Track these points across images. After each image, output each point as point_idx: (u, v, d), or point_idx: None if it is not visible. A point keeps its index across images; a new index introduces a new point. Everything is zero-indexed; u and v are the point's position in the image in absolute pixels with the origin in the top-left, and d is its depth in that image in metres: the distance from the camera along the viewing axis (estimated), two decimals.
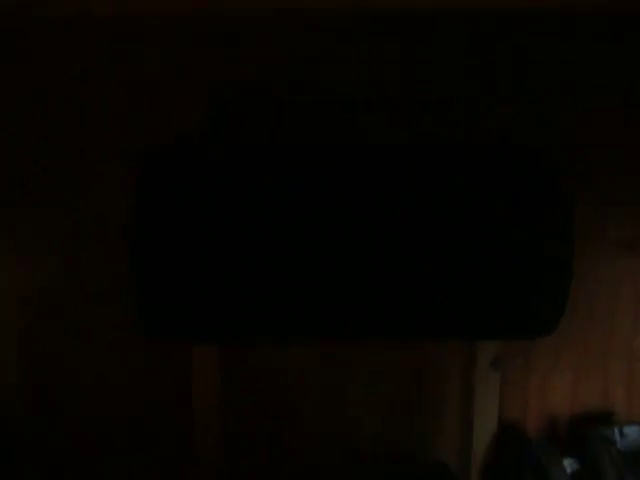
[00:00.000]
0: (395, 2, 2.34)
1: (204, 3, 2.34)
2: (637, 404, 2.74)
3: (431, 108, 2.47)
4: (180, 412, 2.67)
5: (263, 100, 2.47)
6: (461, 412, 2.75)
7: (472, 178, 2.11)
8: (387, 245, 2.05)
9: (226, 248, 2.04)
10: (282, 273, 2.06)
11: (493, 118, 2.46)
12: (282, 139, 2.44)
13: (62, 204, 2.54)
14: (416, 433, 2.79)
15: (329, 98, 2.46)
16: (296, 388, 2.70)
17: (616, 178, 2.56)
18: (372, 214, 2.05)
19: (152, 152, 2.18)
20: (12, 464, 2.68)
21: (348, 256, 2.05)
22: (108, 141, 2.48)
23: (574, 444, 2.65)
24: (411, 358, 2.69)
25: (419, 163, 2.17)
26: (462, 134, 2.45)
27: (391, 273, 2.07)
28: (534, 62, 2.46)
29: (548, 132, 2.48)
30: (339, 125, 2.44)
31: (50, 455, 2.71)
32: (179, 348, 2.59)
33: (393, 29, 2.42)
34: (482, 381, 2.67)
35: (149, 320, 2.16)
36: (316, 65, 2.45)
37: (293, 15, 2.37)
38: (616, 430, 2.58)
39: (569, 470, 2.53)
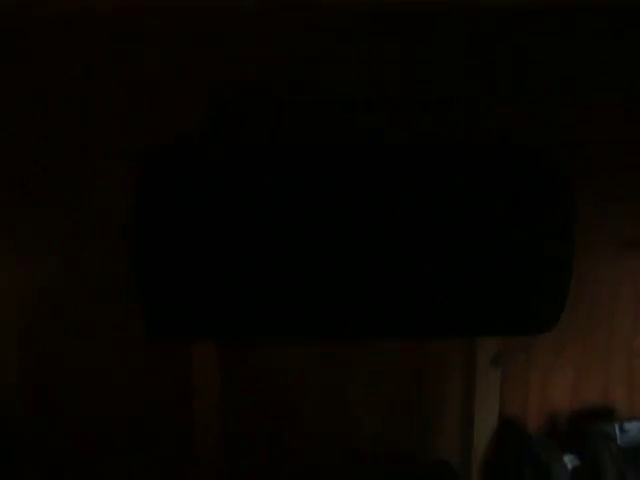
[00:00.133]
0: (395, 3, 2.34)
1: (204, 3, 2.33)
2: (638, 400, 2.75)
3: (431, 108, 2.47)
4: (180, 412, 2.67)
5: (263, 100, 2.47)
6: (461, 409, 2.76)
7: (472, 178, 2.11)
8: (387, 245, 2.05)
9: (226, 248, 2.04)
10: (282, 273, 2.06)
11: (493, 118, 2.46)
12: (282, 139, 2.44)
13: (62, 204, 2.54)
14: (416, 432, 2.79)
15: (329, 98, 2.46)
16: (296, 388, 2.71)
17: (616, 175, 2.56)
18: (372, 214, 2.05)
19: (152, 152, 2.18)
20: (12, 464, 2.68)
21: (348, 256, 2.04)
22: (108, 141, 2.48)
23: (574, 440, 2.65)
24: (411, 358, 2.69)
25: (419, 163, 2.17)
26: (462, 134, 2.45)
27: (391, 273, 2.07)
28: (534, 62, 2.46)
29: (548, 132, 2.48)
30: (339, 125, 2.44)
31: (50, 455, 2.71)
32: (179, 348, 2.59)
33: (393, 29, 2.42)
34: (482, 378, 2.68)
35: (149, 319, 2.16)
36: (316, 65, 2.45)
37: (293, 15, 2.37)
38: (616, 426, 2.59)
39: (569, 466, 2.54)
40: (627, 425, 2.59)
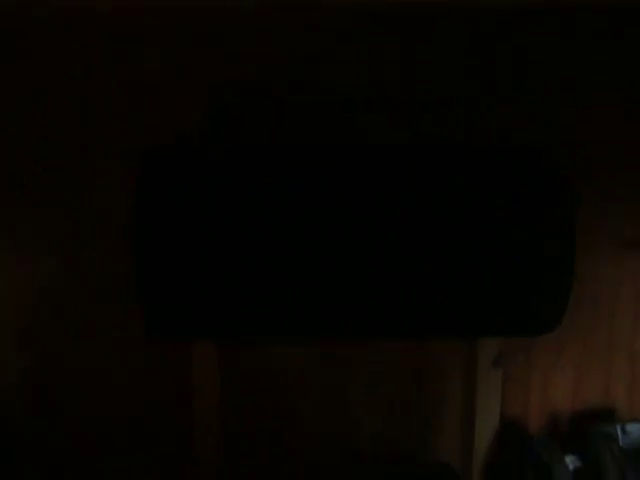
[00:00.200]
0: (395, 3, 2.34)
1: (204, 3, 2.33)
2: (639, 401, 2.75)
3: (431, 108, 2.47)
4: (180, 412, 2.67)
5: (263, 100, 2.47)
6: (463, 410, 2.76)
7: (472, 178, 2.11)
8: (387, 245, 2.05)
9: (226, 248, 2.04)
10: (282, 273, 2.06)
11: (493, 118, 2.46)
12: (282, 139, 2.44)
13: (62, 204, 2.54)
14: (417, 432, 2.79)
15: (329, 98, 2.46)
16: (296, 388, 2.71)
17: (617, 175, 2.56)
18: (372, 214, 2.05)
19: (152, 152, 2.18)
20: (12, 464, 2.68)
21: (348, 256, 2.05)
22: (108, 141, 2.48)
23: (576, 441, 2.66)
24: (411, 358, 2.69)
25: (419, 163, 2.17)
26: (462, 134, 2.45)
27: (391, 273, 2.07)
28: (534, 62, 2.46)
29: (548, 132, 2.48)
30: (339, 125, 2.44)
31: (50, 455, 2.71)
32: (179, 348, 2.59)
33: (393, 29, 2.42)
34: (484, 378, 2.68)
35: (149, 319, 2.16)
36: (316, 65, 2.45)
37: (293, 15, 2.37)
38: (618, 427, 2.59)
39: (571, 467, 2.54)
40: (629, 426, 2.60)
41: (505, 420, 2.73)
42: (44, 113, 2.49)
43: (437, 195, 2.08)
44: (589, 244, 2.51)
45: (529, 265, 2.08)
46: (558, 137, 2.46)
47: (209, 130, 2.46)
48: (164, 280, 2.10)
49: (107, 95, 2.47)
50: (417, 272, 2.07)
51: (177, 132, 2.33)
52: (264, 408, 2.73)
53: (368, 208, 2.06)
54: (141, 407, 2.68)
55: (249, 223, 2.03)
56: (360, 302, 2.11)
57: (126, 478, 2.71)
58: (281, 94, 2.48)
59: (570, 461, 2.56)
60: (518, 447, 2.69)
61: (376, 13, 2.36)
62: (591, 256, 2.56)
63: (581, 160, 2.45)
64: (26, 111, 2.49)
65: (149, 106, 2.47)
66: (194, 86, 2.46)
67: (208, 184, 2.08)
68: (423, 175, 2.13)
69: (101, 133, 2.49)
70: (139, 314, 2.13)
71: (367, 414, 2.75)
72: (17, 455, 2.70)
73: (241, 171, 2.12)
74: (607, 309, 2.68)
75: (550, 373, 2.72)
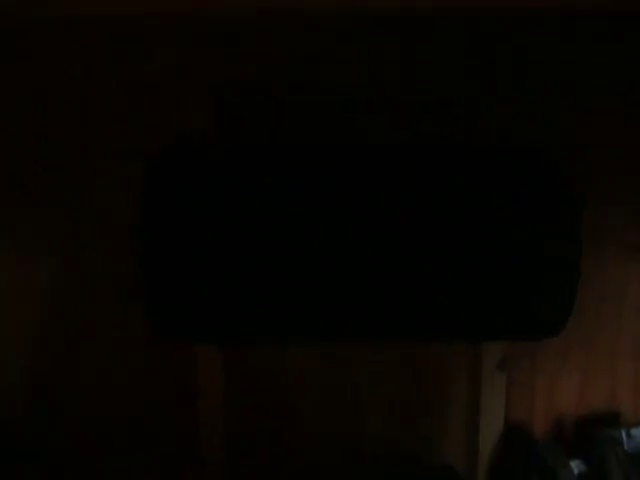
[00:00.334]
0: (395, 2, 2.34)
1: (204, 3, 2.34)
2: None
3: (431, 108, 2.47)
4: (181, 412, 2.67)
5: (263, 100, 2.48)
6: (467, 413, 2.75)
7: (472, 178, 2.11)
8: (387, 245, 2.05)
9: (227, 248, 2.04)
10: (282, 273, 2.06)
11: (493, 118, 2.46)
12: (282, 139, 2.44)
13: (62, 204, 2.54)
14: (421, 434, 2.79)
15: (329, 98, 2.47)
16: (296, 388, 2.70)
17: (620, 178, 2.56)
18: (372, 214, 2.05)
19: (153, 153, 2.18)
20: (12, 464, 2.68)
21: (348, 256, 2.05)
22: (108, 141, 2.49)
23: (581, 445, 2.65)
24: (411, 358, 2.69)
25: (419, 163, 2.17)
26: (462, 134, 2.45)
27: (392, 273, 2.07)
28: (534, 62, 2.46)
29: (548, 132, 2.48)
30: (339, 125, 2.44)
31: (50, 455, 2.71)
32: (180, 348, 2.59)
33: (393, 29, 2.42)
34: (488, 382, 2.67)
35: (153, 321, 2.16)
36: (316, 65, 2.45)
37: (293, 15, 2.37)
38: (623, 431, 2.59)
39: (576, 471, 2.54)
40: (634, 431, 2.59)
41: (510, 424, 2.72)
42: (44, 113, 2.49)
43: (437, 195, 2.08)
44: (594, 247, 2.51)
45: (529, 266, 2.08)
46: (558, 138, 2.46)
47: (209, 130, 2.46)
48: (167, 281, 2.10)
49: (107, 95, 2.47)
50: (417, 272, 2.07)
51: (177, 132, 2.34)
52: (265, 408, 2.73)
53: (368, 208, 2.06)
54: (142, 407, 2.68)
55: (250, 223, 2.04)
56: (361, 303, 2.11)
57: (127, 478, 2.71)
58: (281, 94, 2.48)
59: (575, 465, 2.55)
60: (523, 451, 2.69)
61: (376, 14, 2.36)
62: (596, 259, 2.57)
63: (583, 163, 2.46)
64: (26, 111, 2.49)
65: (149, 106, 2.47)
66: (194, 86, 2.47)
67: (209, 184, 2.09)
68: (423, 175, 2.13)
69: (101, 133, 2.49)
70: (139, 314, 2.14)
71: (368, 414, 2.74)
72: (17, 455, 2.70)
73: (242, 171, 2.12)
74: (612, 312, 2.67)
75: (555, 377, 2.71)
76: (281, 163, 2.17)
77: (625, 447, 2.55)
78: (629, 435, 2.58)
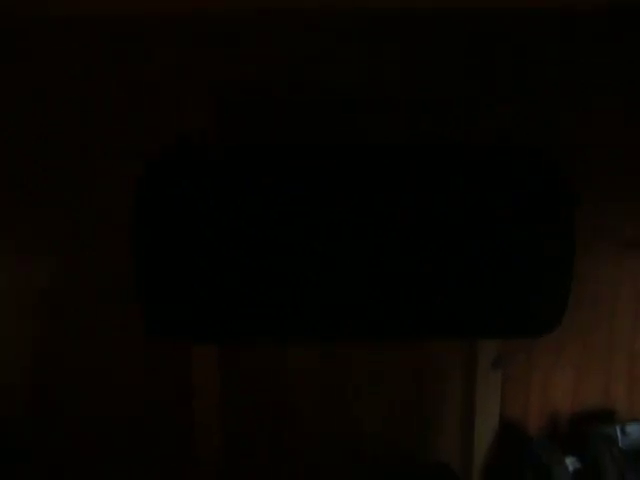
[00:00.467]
0: (395, 2, 2.34)
1: (204, 3, 2.33)
2: (638, 402, 2.75)
3: (431, 108, 2.47)
4: (180, 412, 2.67)
5: (263, 100, 2.48)
6: (462, 411, 2.76)
7: (472, 178, 2.11)
8: (387, 245, 2.05)
9: (227, 248, 2.04)
10: (282, 273, 2.06)
11: (493, 118, 2.46)
12: (282, 139, 2.44)
13: (62, 204, 2.54)
14: (417, 432, 2.79)
15: (329, 98, 2.47)
16: (296, 388, 2.70)
17: (616, 178, 2.56)
18: (372, 214, 2.05)
19: (153, 153, 2.18)
20: (12, 464, 2.68)
21: (348, 256, 2.05)
22: (108, 141, 2.48)
23: (575, 442, 2.65)
24: (411, 358, 2.69)
25: (419, 163, 2.17)
26: (462, 134, 2.45)
27: (391, 273, 2.07)
28: (534, 62, 2.46)
29: (548, 132, 2.48)
30: (339, 125, 2.44)
31: (50, 455, 2.71)
32: (179, 348, 2.59)
33: (393, 29, 2.42)
34: (483, 380, 2.68)
35: (150, 321, 2.16)
36: (316, 65, 2.45)
37: (293, 15, 2.37)
38: (618, 428, 2.59)
39: (571, 468, 2.54)
40: (628, 427, 2.59)
41: (505, 421, 2.73)
42: (44, 113, 2.49)
43: (437, 195, 2.08)
44: (589, 244, 2.52)
45: (529, 264, 2.08)
46: (558, 139, 2.47)
47: (209, 130, 2.46)
48: (166, 281, 2.10)
49: (107, 95, 2.47)
50: (417, 271, 2.07)
51: (177, 132, 2.34)
52: (264, 408, 2.73)
53: (368, 208, 2.06)
54: (141, 407, 2.68)
55: (249, 223, 2.04)
56: (360, 302, 2.11)
57: (126, 478, 2.71)
58: (281, 94, 2.48)
59: (570, 462, 2.55)
60: (518, 448, 2.69)
61: (376, 14, 2.36)
62: (591, 256, 2.57)
63: (581, 162, 2.46)
64: (26, 111, 2.49)
65: (149, 106, 2.47)
66: (194, 86, 2.46)
67: (208, 184, 2.08)
68: (423, 175, 2.13)
69: (101, 133, 2.49)
70: (139, 314, 2.14)
71: (367, 414, 2.75)
72: (17, 455, 2.70)
73: (241, 171, 2.12)
74: (607, 309, 2.68)
75: (550, 374, 2.72)
76: (281, 163, 2.16)
77: (620, 444, 2.56)
78: (624, 432, 2.58)
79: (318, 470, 2.76)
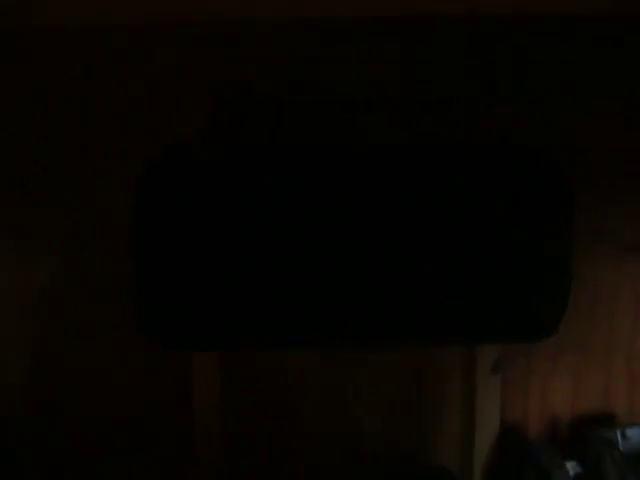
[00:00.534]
0: (395, 5, 2.34)
1: (204, 13, 2.34)
2: (638, 405, 2.74)
3: (431, 108, 2.47)
4: (180, 412, 2.66)
5: (263, 100, 2.48)
6: (462, 414, 2.75)
7: (472, 178, 2.11)
8: (387, 245, 2.05)
9: (226, 249, 2.04)
10: (281, 274, 2.06)
11: (493, 118, 2.46)
12: (282, 139, 2.44)
13: (62, 204, 2.54)
14: (417, 434, 2.78)
15: (329, 98, 2.47)
16: (296, 388, 2.70)
17: (616, 181, 2.56)
18: (372, 214, 2.05)
19: (153, 153, 2.18)
20: (12, 464, 2.68)
21: (348, 257, 2.04)
22: (108, 141, 2.49)
23: (576, 446, 2.65)
24: (411, 358, 2.69)
25: (419, 163, 2.17)
26: (462, 134, 2.45)
27: (391, 274, 2.07)
28: (534, 62, 2.47)
29: (548, 132, 2.48)
30: (339, 125, 2.44)
31: (50, 455, 2.71)
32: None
33: (393, 29, 2.42)
34: (483, 383, 2.68)
35: (149, 326, 2.16)
36: (316, 65, 2.45)
37: (293, 16, 2.37)
38: (618, 432, 2.57)
39: (571, 473, 2.53)
40: (629, 431, 2.58)
41: (505, 425, 2.72)
42: (44, 113, 2.49)
43: (437, 195, 2.07)
44: (588, 248, 2.52)
45: (529, 265, 2.08)
46: (558, 140, 2.47)
47: (210, 130, 2.46)
48: (164, 284, 2.10)
49: (107, 95, 2.47)
50: (417, 272, 2.07)
51: (177, 133, 2.35)
52: (264, 408, 2.73)
53: (368, 208, 2.05)
54: (141, 407, 2.68)
55: (249, 223, 2.03)
56: (360, 303, 2.10)
57: (126, 478, 2.70)
58: (281, 94, 2.49)
59: (571, 467, 2.54)
60: (518, 452, 2.68)
61: (376, 14, 2.37)
62: (590, 259, 2.57)
63: (581, 165, 2.46)
64: (26, 111, 2.49)
65: (149, 106, 2.47)
66: (194, 86, 2.47)
67: (208, 184, 2.08)
68: (423, 175, 2.12)
69: (101, 133, 2.49)
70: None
71: (367, 414, 2.74)
72: (17, 455, 2.70)
73: (241, 171, 2.12)
74: (605, 313, 2.67)
75: (549, 378, 2.71)
76: (281, 163, 2.16)
77: (620, 448, 2.54)
78: (624, 436, 2.57)
79: (318, 470, 2.76)
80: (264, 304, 2.09)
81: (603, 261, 2.62)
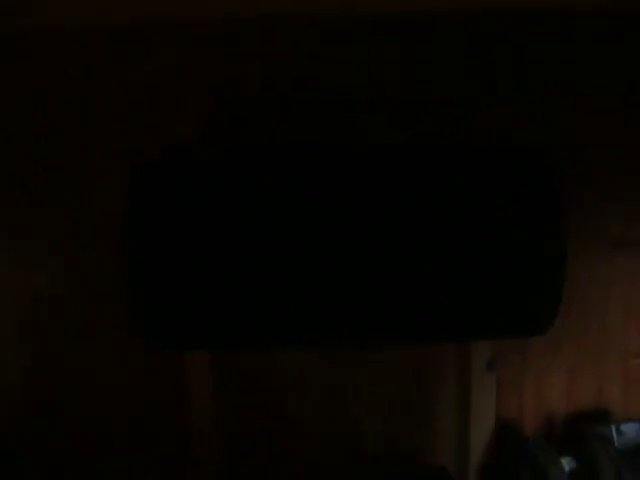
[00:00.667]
0: (395, 6, 2.34)
1: (206, 11, 2.34)
2: (633, 401, 2.75)
3: (431, 108, 2.47)
4: (180, 412, 2.66)
5: (263, 100, 2.48)
6: (458, 412, 2.76)
7: (472, 178, 2.11)
8: (387, 245, 2.05)
9: (226, 249, 2.04)
10: (281, 273, 2.06)
11: (493, 118, 2.46)
12: (283, 138, 2.44)
13: (62, 204, 2.54)
14: (415, 433, 2.79)
15: (330, 98, 2.47)
16: (296, 388, 2.70)
17: (607, 177, 2.57)
18: (372, 214, 2.05)
19: (153, 153, 2.18)
20: (12, 464, 2.68)
21: (348, 256, 2.04)
22: (108, 141, 2.48)
23: (571, 442, 2.65)
24: (411, 358, 2.69)
25: (419, 163, 2.17)
26: (462, 134, 2.45)
27: (391, 273, 2.07)
28: (534, 62, 2.47)
29: (548, 132, 2.48)
30: (339, 125, 2.44)
31: (50, 455, 2.70)
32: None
33: (393, 29, 2.42)
34: (478, 381, 2.68)
35: (147, 327, 2.16)
36: (316, 65, 2.45)
37: (294, 16, 2.37)
38: (613, 428, 2.58)
39: (567, 468, 2.54)
40: (623, 427, 2.59)
41: (500, 422, 2.73)
42: (44, 113, 2.49)
43: (437, 195, 2.08)
44: (580, 245, 2.51)
45: (529, 264, 2.08)
46: (558, 138, 2.48)
47: (210, 130, 2.46)
48: (163, 285, 2.10)
49: (107, 95, 2.47)
50: (417, 271, 2.07)
51: (177, 133, 2.35)
52: (264, 408, 2.73)
53: (368, 208, 2.06)
54: (141, 407, 2.68)
55: (248, 224, 2.03)
56: (360, 302, 2.10)
57: (126, 478, 2.70)
58: (281, 94, 2.48)
59: (566, 463, 2.55)
60: (513, 449, 2.69)
61: (376, 14, 2.37)
62: (582, 257, 2.57)
63: (581, 163, 2.48)
64: (26, 111, 2.49)
65: (149, 106, 2.47)
66: (194, 86, 2.46)
67: (208, 184, 2.08)
68: (423, 175, 2.13)
69: (101, 133, 2.49)
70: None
71: (367, 414, 2.74)
72: (17, 455, 2.70)
73: (241, 171, 2.12)
74: (599, 309, 2.68)
75: (544, 375, 2.72)
76: (281, 163, 2.16)
77: (615, 443, 2.56)
78: (619, 431, 2.58)
79: (318, 470, 2.76)
80: (264, 304, 2.08)
81: (594, 258, 2.63)
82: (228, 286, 2.07)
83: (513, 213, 2.08)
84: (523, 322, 2.20)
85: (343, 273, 2.06)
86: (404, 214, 2.06)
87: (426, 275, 2.07)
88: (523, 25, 2.42)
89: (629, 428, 2.60)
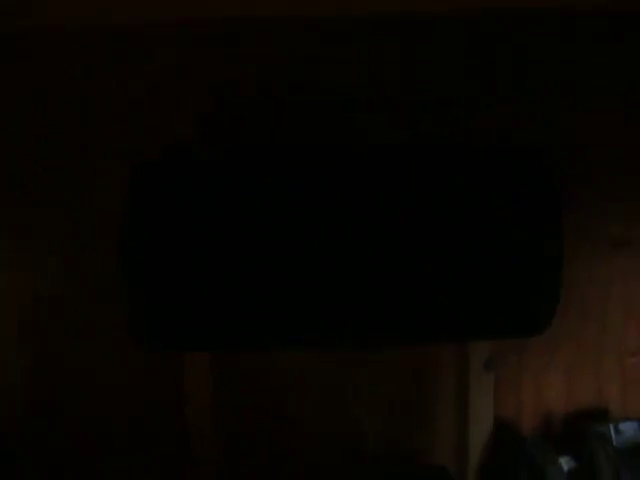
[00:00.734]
0: (395, 6, 2.34)
1: (204, 11, 2.34)
2: (631, 400, 2.74)
3: (431, 108, 2.47)
4: (180, 412, 2.66)
5: (263, 100, 2.48)
6: (456, 412, 2.76)
7: (472, 178, 2.11)
8: (387, 245, 2.05)
9: (226, 249, 2.04)
10: (281, 274, 2.06)
11: (493, 118, 2.46)
12: (282, 139, 2.44)
13: (62, 204, 2.54)
14: (415, 433, 2.79)
15: (329, 98, 2.46)
16: (296, 388, 2.70)
17: (606, 177, 2.56)
18: (372, 214, 2.05)
19: (153, 153, 2.18)
20: (12, 464, 2.68)
21: (347, 256, 2.05)
22: (108, 141, 2.48)
23: (570, 442, 2.65)
24: (411, 358, 2.69)
25: (419, 163, 2.17)
26: (462, 134, 2.45)
27: (391, 273, 2.07)
28: (534, 62, 2.47)
29: (548, 132, 2.48)
30: (339, 125, 2.44)
31: (50, 455, 2.70)
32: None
33: (393, 29, 2.42)
34: (476, 381, 2.68)
35: (147, 328, 2.16)
36: (316, 65, 2.45)
37: (294, 16, 2.37)
38: (611, 427, 2.58)
39: (565, 468, 2.53)
40: (622, 426, 2.59)
41: (498, 422, 2.73)
42: (44, 113, 2.49)
43: (437, 195, 2.08)
44: (579, 245, 2.52)
45: (528, 264, 2.09)
46: (558, 138, 2.47)
47: (209, 130, 2.46)
48: (162, 285, 2.10)
49: (107, 95, 2.47)
50: (417, 271, 2.07)
51: (176, 134, 2.35)
52: (264, 408, 2.73)
53: (368, 208, 2.06)
54: (141, 407, 2.68)
55: (248, 224, 2.03)
56: (360, 302, 2.10)
57: (126, 478, 2.70)
58: (281, 94, 2.48)
59: (564, 462, 2.55)
60: (512, 449, 2.68)
61: (376, 14, 2.37)
62: (581, 256, 2.57)
63: (581, 163, 2.48)
64: (26, 111, 2.49)
65: (149, 106, 2.47)
66: (194, 86, 2.46)
67: (207, 185, 2.08)
68: (423, 175, 2.13)
69: (101, 133, 2.49)
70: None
71: (367, 414, 2.74)
72: (17, 455, 2.69)
73: (241, 172, 2.12)
74: (598, 309, 2.68)
75: (542, 374, 2.71)
76: (281, 163, 2.16)
77: (614, 442, 2.55)
78: (617, 430, 2.58)
79: (318, 470, 2.76)
80: (264, 304, 2.08)
81: (593, 257, 2.62)
82: (228, 286, 2.07)
83: (513, 213, 2.08)
84: (522, 322, 2.20)
85: (343, 273, 2.06)
86: (404, 214, 2.06)
87: (425, 275, 2.08)
88: (523, 25, 2.42)
89: (628, 427, 2.60)
